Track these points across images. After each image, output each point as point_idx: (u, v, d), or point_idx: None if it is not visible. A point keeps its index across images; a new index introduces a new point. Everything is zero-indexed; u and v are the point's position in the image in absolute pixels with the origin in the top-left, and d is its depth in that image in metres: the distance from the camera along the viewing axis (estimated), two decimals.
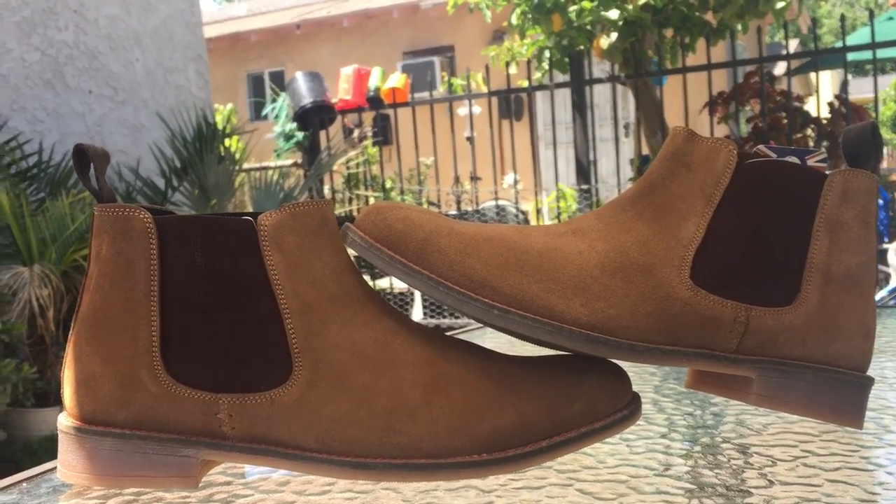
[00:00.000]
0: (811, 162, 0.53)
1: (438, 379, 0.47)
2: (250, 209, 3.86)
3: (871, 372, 0.52)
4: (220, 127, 4.76)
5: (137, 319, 0.46)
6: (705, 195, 0.51)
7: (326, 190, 5.09)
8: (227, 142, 4.56)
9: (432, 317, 4.95)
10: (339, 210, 4.72)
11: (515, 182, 5.01)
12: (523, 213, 4.88)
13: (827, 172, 0.52)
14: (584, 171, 4.47)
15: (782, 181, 0.51)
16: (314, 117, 5.36)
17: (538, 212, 4.85)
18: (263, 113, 7.93)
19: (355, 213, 3.99)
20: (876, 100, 4.09)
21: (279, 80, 9.39)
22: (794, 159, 0.53)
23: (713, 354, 0.49)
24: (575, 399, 0.48)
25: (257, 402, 0.46)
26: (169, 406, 0.46)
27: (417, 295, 5.09)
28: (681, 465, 0.48)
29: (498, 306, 0.47)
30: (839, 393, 0.50)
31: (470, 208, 4.91)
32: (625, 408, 0.49)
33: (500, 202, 4.82)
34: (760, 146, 0.53)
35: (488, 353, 0.49)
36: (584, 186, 4.43)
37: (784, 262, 0.50)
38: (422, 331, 0.49)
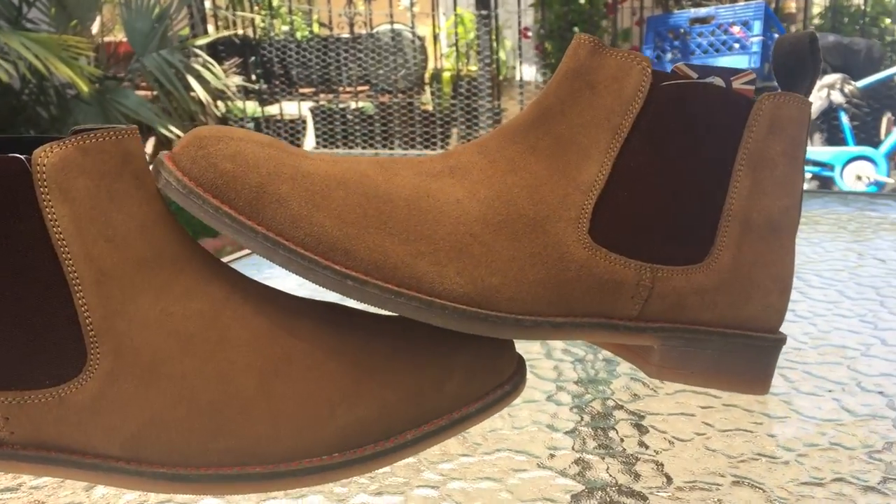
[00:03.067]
0: (738, 84, 0.44)
1: (280, 362, 0.38)
2: (122, 34, 3.54)
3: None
4: None
5: None
6: (612, 126, 0.41)
7: (208, 6, 4.72)
8: None
9: (325, 145, 4.79)
10: (220, 35, 4.39)
11: (412, 4, 4.74)
12: (420, 38, 4.65)
13: (755, 97, 0.44)
14: None
15: (702, 108, 0.42)
16: None
17: (435, 38, 4.63)
18: None
19: (224, 69, 3.70)
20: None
21: None
22: (719, 81, 0.44)
23: (610, 324, 0.42)
24: (447, 379, 0.40)
25: (42, 402, 0.36)
26: None
27: (309, 120, 4.89)
28: (567, 449, 0.41)
29: (353, 276, 0.38)
30: (747, 359, 0.44)
31: (364, 31, 4.65)
32: (507, 381, 0.42)
33: (396, 26, 4.57)
34: (680, 64, 0.43)
35: (347, 321, 0.40)
36: (484, 12, 4.23)
37: (698, 211, 0.42)
38: (264, 295, 0.40)
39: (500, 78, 4.63)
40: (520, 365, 0.43)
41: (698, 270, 0.42)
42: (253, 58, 4.75)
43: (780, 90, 0.45)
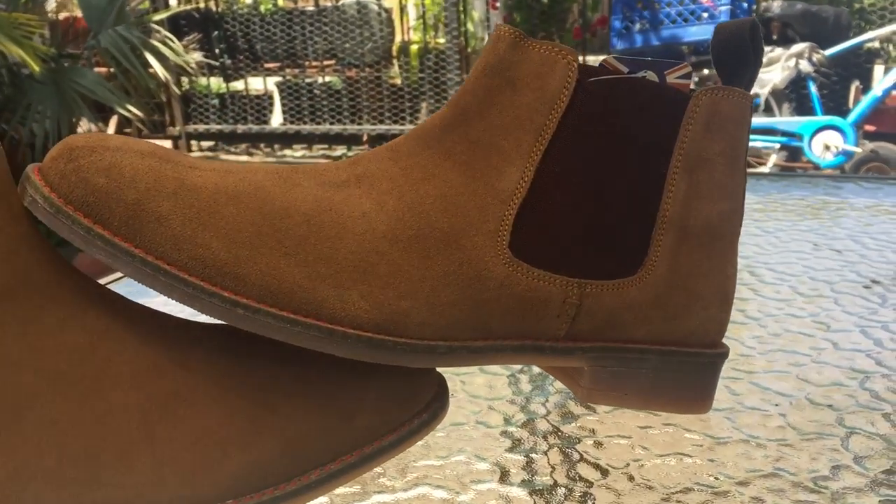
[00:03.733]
0: (672, 78, 0.40)
1: (167, 399, 0.34)
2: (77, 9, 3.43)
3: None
4: None
5: None
6: (535, 127, 0.38)
7: None
8: None
9: (292, 122, 4.72)
10: (180, 9, 4.29)
11: None
12: (386, 10, 4.57)
13: (692, 91, 0.40)
14: None
15: (633, 106, 0.39)
16: None
17: (402, 10, 4.55)
18: None
19: (183, 44, 3.59)
20: None
21: None
22: (652, 75, 0.40)
23: (535, 346, 0.38)
24: (357, 410, 0.37)
25: None
26: None
27: (276, 96, 4.81)
28: (491, 482, 0.38)
29: (243, 303, 0.34)
30: (686, 377, 0.41)
31: (329, 4, 4.56)
32: (426, 409, 0.39)
33: None
34: (609, 57, 0.40)
35: (247, 349, 0.37)
36: None
37: (630, 219, 0.39)
38: (151, 323, 0.36)
39: (469, 50, 4.57)
40: (441, 388, 0.40)
41: (631, 284, 0.39)
42: (216, 32, 4.66)
43: (720, 83, 0.42)
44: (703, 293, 0.40)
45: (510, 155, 0.38)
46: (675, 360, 0.40)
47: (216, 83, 4.78)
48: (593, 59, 4.58)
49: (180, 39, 3.80)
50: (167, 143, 4.99)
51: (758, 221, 0.76)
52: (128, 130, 4.59)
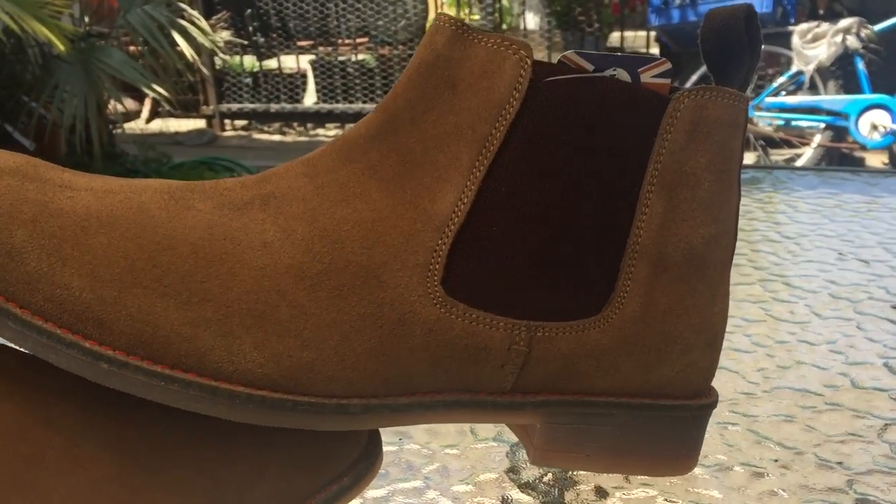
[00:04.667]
0: (648, 77, 0.33)
1: (27, 464, 0.29)
2: None
3: None
4: None
5: None
6: (478, 137, 0.31)
7: None
8: None
9: (325, 101, 4.67)
10: None
11: None
12: None
13: (672, 92, 0.33)
14: None
15: (598, 111, 0.32)
16: None
17: None
18: None
19: (211, 23, 3.54)
20: None
21: None
22: (623, 73, 0.33)
23: (475, 400, 0.32)
24: (257, 481, 0.31)
25: None
26: None
27: (310, 74, 4.76)
28: None
29: (108, 355, 0.28)
30: (661, 434, 0.34)
31: None
32: (347, 472, 0.33)
33: None
34: (570, 52, 0.33)
35: (128, 404, 0.31)
36: None
37: (593, 248, 0.32)
38: (18, 372, 0.30)
39: (504, 27, 4.47)
40: (371, 444, 0.34)
41: (593, 326, 0.32)
42: (249, 10, 4.61)
43: (712, 82, 0.35)
44: (684, 335, 0.33)
45: (447, 172, 0.31)
46: (647, 415, 0.34)
47: (249, 62, 4.74)
48: (631, 36, 4.46)
49: (214, 18, 3.76)
50: (201, 123, 4.98)
51: (779, 225, 0.68)
52: (161, 109, 4.58)
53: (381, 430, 0.39)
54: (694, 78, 3.45)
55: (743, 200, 0.76)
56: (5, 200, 0.29)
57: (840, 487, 0.35)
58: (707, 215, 0.33)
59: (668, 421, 0.34)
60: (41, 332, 0.28)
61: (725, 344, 0.47)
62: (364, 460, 0.33)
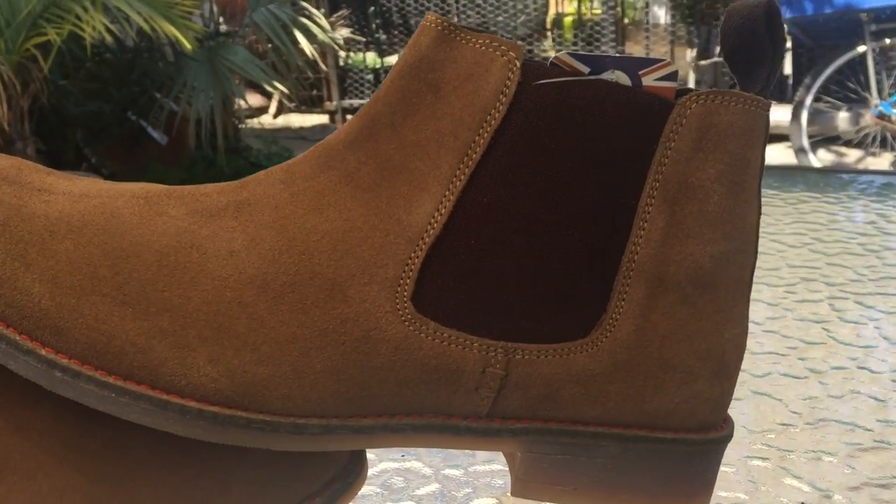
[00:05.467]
0: (650, 80, 0.30)
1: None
2: None
3: None
4: None
5: None
6: (459, 145, 0.29)
7: None
8: None
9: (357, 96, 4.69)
10: None
11: None
12: None
13: (678, 97, 0.30)
14: None
15: (593, 117, 0.29)
16: None
17: None
18: None
19: (331, 21, 3.62)
20: None
21: None
22: (623, 76, 0.30)
23: (448, 424, 0.30)
24: (222, 495, 0.30)
25: None
26: None
27: None
28: None
29: (62, 364, 0.28)
30: (662, 470, 0.31)
31: None
32: (319, 492, 0.31)
33: None
34: (562, 53, 0.30)
35: (100, 413, 0.31)
36: None
37: (582, 265, 0.30)
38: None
39: (626, 21, 4.36)
40: (350, 464, 0.32)
41: (580, 350, 0.30)
42: (372, 8, 4.69)
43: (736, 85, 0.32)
44: (686, 362, 0.30)
45: (425, 180, 0.29)
46: (642, 448, 0.31)
47: (371, 58, 4.82)
48: None
49: (334, 16, 3.84)
50: (324, 118, 5.10)
51: (864, 237, 0.63)
52: (288, 105, 4.71)
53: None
54: (828, 72, 3.28)
55: (828, 207, 0.71)
56: None
57: None
58: (717, 231, 0.30)
59: (668, 455, 0.31)
60: (1, 337, 0.28)
61: (772, 369, 0.44)
62: (340, 480, 0.32)
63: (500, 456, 0.37)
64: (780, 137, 3.75)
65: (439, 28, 0.30)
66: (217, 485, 0.30)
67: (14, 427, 0.30)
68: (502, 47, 0.30)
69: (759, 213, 0.32)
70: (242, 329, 0.28)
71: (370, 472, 0.35)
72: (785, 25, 0.29)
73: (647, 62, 0.30)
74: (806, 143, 3.50)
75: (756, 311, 0.50)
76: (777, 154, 3.71)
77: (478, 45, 0.30)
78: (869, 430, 0.38)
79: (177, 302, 0.28)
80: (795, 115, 3.49)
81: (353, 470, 0.32)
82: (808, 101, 3.45)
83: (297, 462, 0.31)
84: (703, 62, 4.02)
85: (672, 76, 0.30)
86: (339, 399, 0.29)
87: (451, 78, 0.30)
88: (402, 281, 0.29)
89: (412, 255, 0.29)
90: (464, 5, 4.51)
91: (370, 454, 0.34)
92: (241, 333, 0.28)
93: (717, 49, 4.29)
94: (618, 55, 0.30)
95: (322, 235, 0.29)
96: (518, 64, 0.29)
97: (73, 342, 0.28)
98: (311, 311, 0.29)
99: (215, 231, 0.30)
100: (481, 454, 0.38)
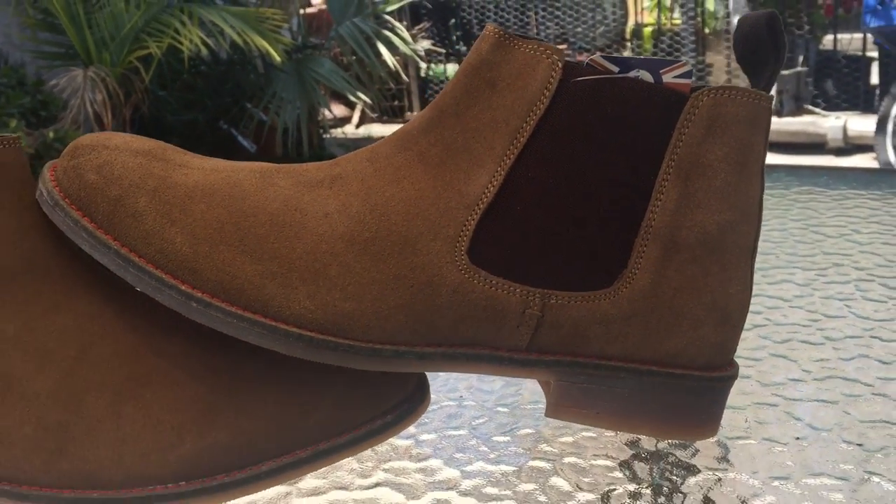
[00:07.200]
0: (669, 78, 0.37)
1: (138, 381, 0.37)
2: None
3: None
4: None
5: None
6: (510, 129, 0.36)
7: None
8: None
9: None
10: None
11: None
12: None
13: (693, 91, 0.37)
14: None
15: (620, 107, 0.36)
16: None
17: None
18: None
19: (412, 33, 3.69)
20: None
21: None
22: (647, 75, 0.37)
23: (494, 355, 0.37)
24: (314, 408, 0.37)
25: None
26: None
27: None
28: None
29: (197, 297, 0.36)
30: (674, 401, 0.38)
31: None
32: (391, 411, 0.39)
33: None
34: (596, 56, 0.37)
35: (221, 339, 0.39)
36: None
37: (607, 228, 0.36)
38: (142, 309, 0.39)
39: (707, 31, 4.36)
40: (418, 390, 0.40)
41: (603, 297, 0.36)
42: (452, 20, 4.79)
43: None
44: (693, 311, 0.37)
45: (481, 158, 0.37)
46: (656, 382, 0.37)
47: (452, 69, 4.92)
48: (846, 39, 4.21)
49: (416, 28, 3.96)
50: None
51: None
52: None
53: (444, 388, 0.45)
54: None
55: (865, 201, 0.75)
56: (136, 174, 0.37)
57: (851, 465, 0.37)
58: (723, 203, 0.37)
59: (678, 389, 0.37)
60: (152, 276, 0.36)
61: (792, 336, 0.49)
62: (407, 403, 0.39)
63: (540, 398, 0.44)
64: (866, 148, 3.69)
65: (496, 36, 0.37)
66: (311, 398, 0.37)
67: (153, 350, 0.38)
68: (547, 51, 0.36)
69: (762, 190, 0.38)
70: (334, 273, 0.36)
71: (431, 406, 0.42)
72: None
73: (667, 63, 0.37)
74: (892, 156, 3.44)
75: (786, 290, 0.55)
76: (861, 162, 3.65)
77: (527, 49, 0.37)
78: (869, 385, 0.43)
79: (284, 252, 0.36)
80: (880, 128, 3.43)
81: (418, 397, 0.40)
82: (894, 112, 3.39)
83: (374, 386, 0.38)
84: (785, 72, 3.99)
85: (687, 74, 0.37)
86: (407, 330, 0.36)
87: (504, 76, 0.37)
88: (460, 238, 0.36)
89: (469, 218, 0.36)
90: (543, 17, 4.57)
91: (433, 395, 0.41)
92: (333, 277, 0.36)
93: (801, 58, 4.25)
94: (642, 57, 0.37)
95: (398, 202, 0.37)
96: (560, 65, 0.36)
97: (205, 280, 0.36)
98: (388, 260, 0.36)
99: (314, 198, 0.38)
100: (525, 396, 0.45)
